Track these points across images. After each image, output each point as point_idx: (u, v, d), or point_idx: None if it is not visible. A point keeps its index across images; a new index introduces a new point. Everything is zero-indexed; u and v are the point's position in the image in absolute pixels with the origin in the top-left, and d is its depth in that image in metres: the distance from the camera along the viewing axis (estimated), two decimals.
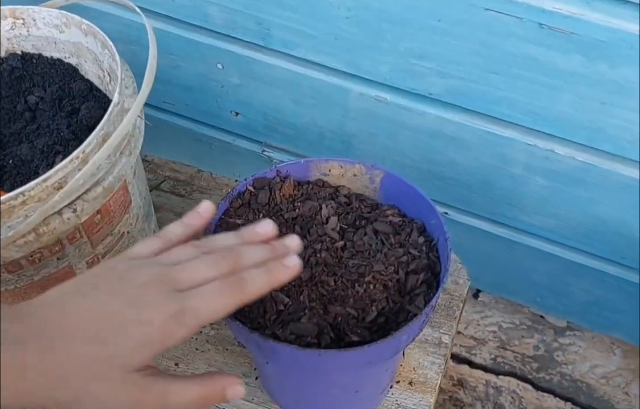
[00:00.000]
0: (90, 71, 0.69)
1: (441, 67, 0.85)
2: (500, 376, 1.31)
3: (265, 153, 1.08)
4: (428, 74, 0.86)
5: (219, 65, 0.98)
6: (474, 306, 1.29)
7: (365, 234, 0.62)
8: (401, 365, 0.72)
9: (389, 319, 0.57)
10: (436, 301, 0.57)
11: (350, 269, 0.59)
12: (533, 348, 1.28)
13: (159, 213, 0.86)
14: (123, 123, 0.54)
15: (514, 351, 1.29)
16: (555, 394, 1.29)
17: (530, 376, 1.30)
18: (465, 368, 1.33)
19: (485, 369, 1.32)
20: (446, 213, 1.02)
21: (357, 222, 0.64)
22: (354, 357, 0.54)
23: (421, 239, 0.62)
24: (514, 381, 1.30)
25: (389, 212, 0.65)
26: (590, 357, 1.24)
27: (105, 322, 0.42)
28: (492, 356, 1.31)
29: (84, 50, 0.68)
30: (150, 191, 0.88)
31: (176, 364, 0.75)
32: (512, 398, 1.31)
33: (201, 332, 0.77)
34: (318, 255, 0.60)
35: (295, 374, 0.61)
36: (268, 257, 0.48)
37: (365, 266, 0.59)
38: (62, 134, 0.64)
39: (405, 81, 0.88)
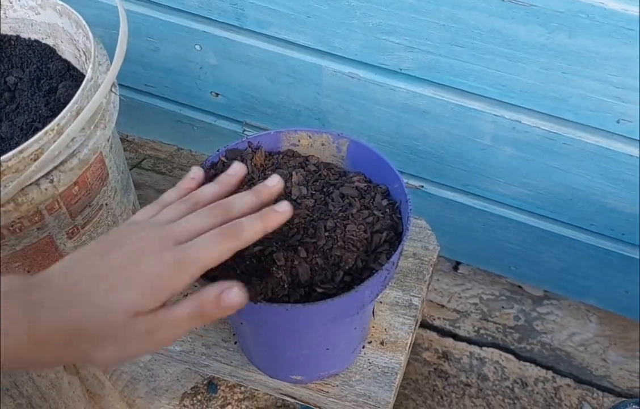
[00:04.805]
0: (66, 51, 0.72)
1: (410, 42, 0.87)
2: (484, 348, 1.34)
3: (246, 132, 1.11)
4: (397, 49, 0.89)
5: (197, 47, 1.00)
6: (454, 279, 1.32)
7: (332, 199, 0.65)
8: (373, 326, 0.76)
9: (354, 278, 0.60)
10: (398, 258, 0.60)
11: (316, 223, 0.62)
12: (513, 318, 1.31)
13: (140, 190, 0.89)
14: (95, 96, 0.56)
15: (495, 323, 1.32)
16: (536, 364, 1.32)
17: (512, 347, 1.33)
18: (449, 341, 1.36)
19: (469, 341, 1.35)
20: (422, 186, 1.05)
21: (325, 189, 0.67)
22: (320, 311, 0.57)
23: (384, 202, 0.65)
24: (496, 352, 1.33)
25: (355, 178, 0.68)
26: (568, 325, 1.27)
27: (112, 277, 0.46)
28: (475, 328, 1.34)
29: (60, 30, 0.71)
30: (131, 169, 0.91)
31: None
32: (495, 368, 1.34)
33: None
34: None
35: (267, 332, 0.64)
36: (256, 203, 0.54)
37: (336, 223, 0.62)
38: (40, 111, 0.67)
39: (376, 57, 0.91)
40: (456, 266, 1.30)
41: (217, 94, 1.06)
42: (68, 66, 0.72)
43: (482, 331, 1.33)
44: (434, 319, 1.36)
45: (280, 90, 1.01)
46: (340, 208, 0.64)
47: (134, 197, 0.76)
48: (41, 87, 0.71)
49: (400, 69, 0.91)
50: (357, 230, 0.61)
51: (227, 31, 0.97)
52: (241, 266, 0.59)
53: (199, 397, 1.03)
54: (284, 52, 0.96)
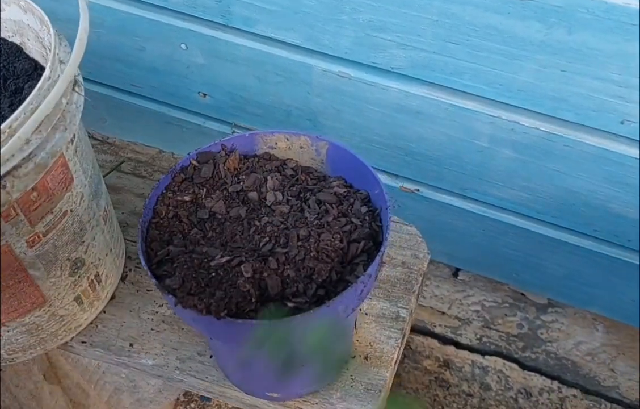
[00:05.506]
0: (34, 50, 0.69)
1: (401, 39, 0.83)
2: (487, 356, 1.30)
3: (235, 134, 1.07)
4: (389, 47, 0.85)
5: (183, 46, 0.97)
6: (454, 285, 1.28)
7: (309, 206, 0.61)
8: (357, 340, 0.71)
9: (329, 291, 0.56)
10: (375, 270, 0.56)
11: (289, 231, 0.58)
12: (517, 326, 1.27)
13: (119, 195, 0.85)
14: (49, 96, 0.53)
15: (498, 330, 1.28)
16: (541, 373, 1.28)
17: (516, 355, 1.29)
18: (451, 349, 1.32)
19: (471, 349, 1.31)
20: (418, 190, 1.01)
21: (302, 195, 0.63)
22: (289, 327, 0.53)
23: (364, 209, 0.61)
24: (500, 361, 1.29)
25: (334, 183, 0.64)
26: (574, 334, 1.23)
27: None
28: (478, 336, 1.30)
29: (26, 28, 0.67)
30: (109, 172, 0.87)
31: (131, 345, 0.74)
32: (499, 377, 1.30)
33: (157, 312, 0.76)
34: (260, 221, 0.59)
35: (237, 348, 0.61)
36: None
37: (310, 231, 0.58)
38: (3, 113, 0.64)
39: (367, 55, 0.87)
40: (456, 272, 1.25)
41: (204, 95, 1.02)
42: (35, 65, 0.69)
43: (484, 339, 1.29)
44: (435, 326, 1.32)
45: (269, 90, 0.97)
46: (316, 215, 0.60)
47: (106, 203, 0.72)
48: (7, 87, 0.67)
49: (392, 68, 0.87)
50: (332, 239, 0.57)
51: (212, 29, 0.93)
52: (205, 279, 0.55)
53: (192, 405, 1.00)
54: (272, 50, 0.92)
